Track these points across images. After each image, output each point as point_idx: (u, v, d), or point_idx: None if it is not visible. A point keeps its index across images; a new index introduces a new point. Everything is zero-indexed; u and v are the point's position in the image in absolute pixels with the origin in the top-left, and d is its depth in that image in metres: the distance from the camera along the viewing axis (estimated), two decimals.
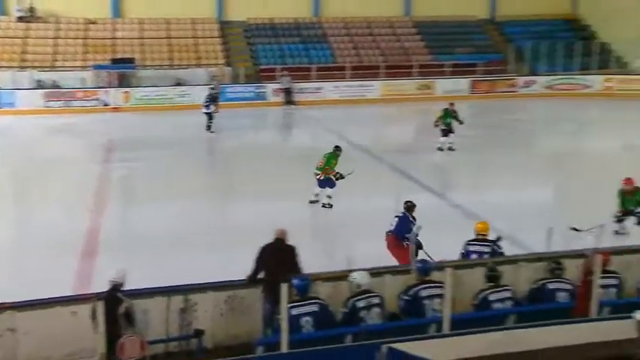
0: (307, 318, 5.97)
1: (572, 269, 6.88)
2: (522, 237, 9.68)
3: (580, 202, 12.64)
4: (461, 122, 17.32)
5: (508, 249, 8.08)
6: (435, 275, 6.61)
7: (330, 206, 12.41)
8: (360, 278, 6.32)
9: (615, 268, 7.02)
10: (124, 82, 26.42)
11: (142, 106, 25.55)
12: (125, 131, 21.80)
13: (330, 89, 27.32)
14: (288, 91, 26.64)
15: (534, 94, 28.32)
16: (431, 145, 18.07)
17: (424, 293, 6.41)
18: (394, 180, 14.98)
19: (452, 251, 7.48)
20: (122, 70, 26.51)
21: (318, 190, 12.59)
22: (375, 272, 6.79)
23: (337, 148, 12.77)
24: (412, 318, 6.36)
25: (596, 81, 28.42)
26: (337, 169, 12.40)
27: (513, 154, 17.88)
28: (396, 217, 8.84)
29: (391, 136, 22.19)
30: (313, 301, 6.14)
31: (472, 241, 7.92)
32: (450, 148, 17.43)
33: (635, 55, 28.64)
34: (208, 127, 20.30)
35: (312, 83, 27.32)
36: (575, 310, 6.05)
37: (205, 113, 20.22)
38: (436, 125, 17.31)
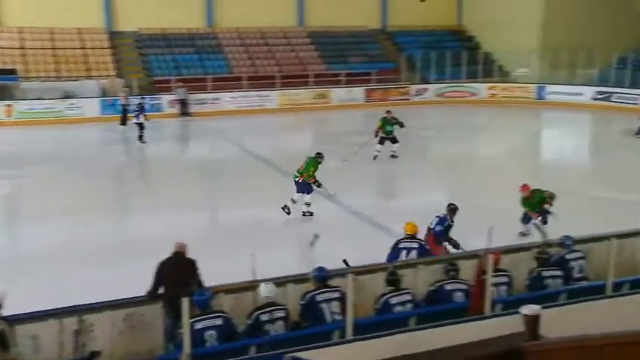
0: (211, 332, 5.86)
1: (467, 270, 7.14)
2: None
3: (474, 204, 13.15)
4: (402, 125, 17.41)
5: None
6: (337, 281, 6.67)
7: (311, 214, 12.15)
8: (264, 290, 6.27)
9: (505, 266, 7.36)
10: (5, 94, 24.95)
11: (26, 120, 24.26)
12: (8, 147, 20.61)
13: (227, 100, 27.09)
14: (183, 103, 26.14)
15: (426, 101, 29.37)
16: (326, 153, 18.28)
17: (320, 297, 6.44)
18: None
19: (350, 257, 7.53)
20: (3, 83, 25.01)
21: (296, 196, 12.20)
22: (278, 282, 6.75)
23: (318, 155, 12.49)
24: (312, 323, 6.38)
25: (482, 89, 29.88)
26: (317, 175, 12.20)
27: (409, 159, 18.39)
28: (437, 216, 9.21)
29: (290, 145, 22.28)
30: (217, 314, 6.03)
31: (402, 239, 8.26)
32: (392, 156, 17.49)
33: (516, 65, 30.39)
34: (140, 138, 20.07)
35: (208, 94, 26.99)
36: (470, 309, 6.27)
37: (136, 123, 20.14)
38: (376, 134, 17.35)
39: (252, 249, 6.83)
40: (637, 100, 25.25)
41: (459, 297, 6.80)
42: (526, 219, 10.37)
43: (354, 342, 5.63)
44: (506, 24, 29.89)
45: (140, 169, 18.12)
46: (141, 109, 20.55)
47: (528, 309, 3.42)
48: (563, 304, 6.57)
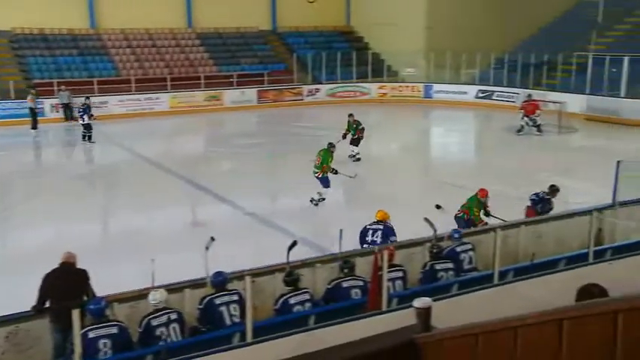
0: (105, 341, 5.67)
1: (363, 266, 7.29)
2: (317, 239, 10.06)
3: (370, 201, 13.46)
4: (359, 132, 17.36)
5: (306, 252, 8.33)
6: (236, 284, 6.61)
7: (323, 200, 12.99)
8: (151, 297, 6.11)
9: (400, 261, 7.57)
10: None
11: None
12: None
13: (116, 103, 26.12)
14: (68, 107, 24.98)
15: (319, 101, 29.71)
16: (219, 154, 18.26)
17: (218, 301, 6.37)
18: (188, 192, 14.81)
19: (244, 263, 7.46)
20: None
21: (323, 191, 13.04)
22: (174, 288, 6.61)
23: (331, 145, 13.43)
24: (212, 328, 6.30)
25: (373, 88, 30.61)
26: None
27: (304, 159, 18.52)
28: (536, 194, 10.34)
29: (183, 148, 21.87)
30: (112, 323, 5.84)
31: (370, 224, 8.74)
32: (355, 158, 17.46)
33: (403, 65, 31.41)
34: (88, 138, 19.73)
35: (95, 98, 25.87)
36: (368, 305, 6.40)
37: (82, 124, 19.71)
38: (344, 137, 17.33)
39: (146, 255, 6.64)
40: (514, 98, 26.73)
41: (356, 294, 6.92)
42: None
43: (254, 344, 5.60)
44: (392, 25, 30.77)
45: (22, 176, 17.14)
46: (85, 109, 20.06)
47: (420, 302, 3.53)
48: (454, 295, 6.84)
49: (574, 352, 2.14)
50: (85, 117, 19.77)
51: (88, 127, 19.80)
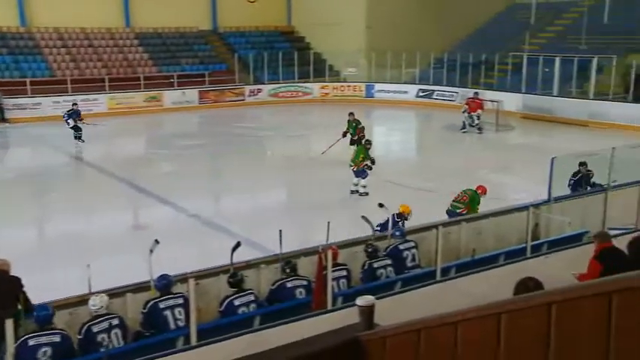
0: (46, 349, 5.52)
1: (307, 266, 7.32)
2: (260, 239, 10.02)
3: (313, 201, 13.52)
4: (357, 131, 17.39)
5: (249, 253, 8.29)
6: (180, 287, 6.53)
7: (366, 194, 13.63)
8: (94, 302, 5.98)
9: (343, 260, 7.63)
10: None
11: None
12: None
13: (50, 104, 25.28)
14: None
15: (261, 101, 29.59)
16: (160, 156, 18.00)
17: (163, 305, 6.29)
18: (129, 195, 14.54)
19: (188, 265, 7.37)
20: None
21: (355, 180, 13.90)
22: (116, 293, 6.48)
23: (367, 142, 14.40)
24: (155, 332, 6.21)
25: (315, 88, 30.70)
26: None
27: (246, 159, 18.46)
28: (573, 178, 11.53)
29: (122, 150, 21.46)
30: (55, 331, 5.69)
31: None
32: None
33: (345, 65, 31.63)
34: (78, 138, 19.25)
35: (28, 99, 25.10)
36: (313, 304, 6.43)
37: (71, 127, 19.24)
38: (344, 135, 17.59)
39: (86, 260, 6.49)
40: (454, 97, 27.31)
41: (300, 293, 6.94)
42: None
43: (198, 347, 5.55)
44: (333, 25, 30.97)
45: None
46: (71, 114, 19.58)
47: (362, 300, 3.57)
48: (398, 293, 6.95)
49: (512, 343, 2.21)
50: (70, 120, 19.40)
51: (76, 129, 19.48)
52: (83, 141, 19.50)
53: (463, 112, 21.90)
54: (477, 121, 21.55)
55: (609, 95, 23.37)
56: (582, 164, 11.73)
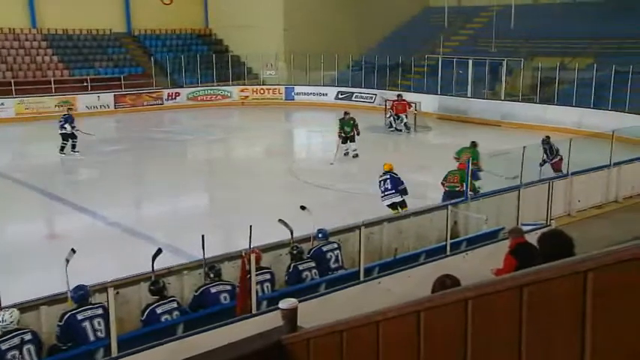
0: None
1: (231, 270, 7.27)
2: (183, 245, 9.87)
3: (234, 205, 13.43)
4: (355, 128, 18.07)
5: (171, 259, 8.14)
6: (99, 297, 6.35)
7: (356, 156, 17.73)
8: (2, 317, 5.68)
9: (267, 263, 7.63)
10: None
11: None
12: None
13: None
14: None
15: (179, 105, 29.10)
16: (76, 162, 17.47)
17: (81, 316, 6.09)
18: (43, 203, 14.00)
19: (107, 274, 7.18)
20: None
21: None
22: (28, 306, 6.21)
23: (474, 144, 14.63)
24: (73, 345, 6.00)
25: (234, 91, 30.49)
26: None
27: (166, 164, 18.14)
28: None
29: (34, 156, 20.61)
30: None
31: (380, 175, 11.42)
32: (354, 156, 18.09)
33: (263, 67, 31.56)
34: (73, 147, 18.39)
35: None
36: (238, 309, 6.40)
37: (68, 134, 18.45)
38: (339, 136, 17.93)
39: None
40: (372, 99, 27.78)
41: (225, 298, 6.89)
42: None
43: (120, 358, 5.43)
44: (251, 28, 30.87)
45: None
46: (67, 118, 18.74)
47: (285, 303, 3.58)
48: (322, 294, 7.02)
49: (432, 340, 2.28)
50: (67, 126, 18.54)
51: (71, 137, 18.72)
52: (78, 151, 18.78)
53: (389, 116, 22.48)
54: (405, 121, 22.18)
55: (519, 97, 24.40)
56: (545, 141, 14.23)
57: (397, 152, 20.28)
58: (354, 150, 18.14)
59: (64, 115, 19.24)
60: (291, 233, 8.08)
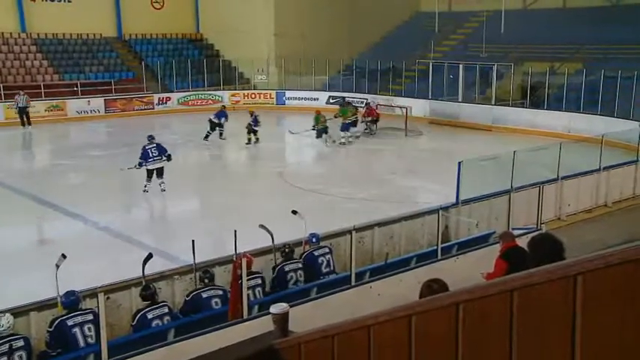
0: None
1: (222, 275, 7.25)
2: (173, 250, 9.85)
3: (226, 209, 13.41)
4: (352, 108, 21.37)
5: (162, 264, 8.11)
6: (90, 303, 6.32)
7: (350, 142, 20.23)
8: None
9: (258, 268, 7.62)
10: None
11: None
12: None
13: None
14: None
15: (171, 110, 29.03)
16: (66, 167, 17.36)
17: (71, 322, 6.07)
18: (33, 208, 13.91)
19: (98, 280, 7.14)
20: None
21: (342, 134, 20.05)
22: (19, 312, 6.17)
23: (348, 103, 20.55)
24: (63, 351, 5.97)
25: (225, 96, 30.42)
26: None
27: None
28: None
29: (24, 161, 20.50)
30: None
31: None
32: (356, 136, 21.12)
33: (255, 72, 31.57)
34: (220, 134, 20.99)
35: None
36: (230, 314, 6.38)
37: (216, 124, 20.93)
38: (335, 116, 20.86)
39: None
40: (363, 104, 27.79)
41: (216, 303, 6.87)
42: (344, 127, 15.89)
43: None
44: (242, 33, 30.88)
45: None
46: (222, 114, 20.80)
47: (276, 308, 3.58)
48: (314, 299, 7.01)
49: (423, 344, 2.28)
50: (221, 119, 21.05)
51: (220, 126, 20.93)
52: None
53: (362, 122, 22.85)
54: (367, 124, 22.56)
55: (509, 101, 24.51)
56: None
57: (388, 157, 20.29)
58: (357, 132, 21.15)
59: (220, 111, 21.39)
60: (272, 238, 8.02)
